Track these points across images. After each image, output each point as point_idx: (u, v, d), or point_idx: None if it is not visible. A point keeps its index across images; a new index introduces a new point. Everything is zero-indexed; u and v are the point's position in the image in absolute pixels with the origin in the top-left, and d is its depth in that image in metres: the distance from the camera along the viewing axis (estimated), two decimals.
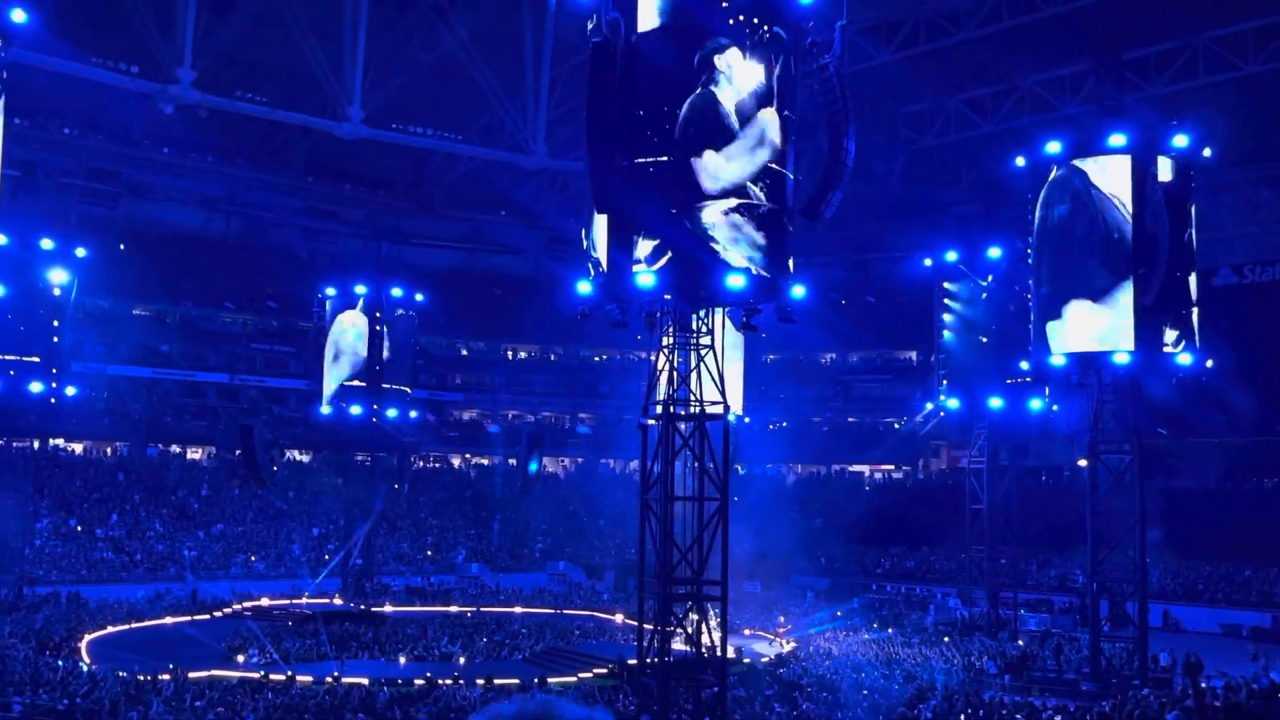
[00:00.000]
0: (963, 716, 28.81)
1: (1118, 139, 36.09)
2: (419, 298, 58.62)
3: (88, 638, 40.13)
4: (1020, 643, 43.23)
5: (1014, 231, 45.08)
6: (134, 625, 44.44)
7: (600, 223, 25.58)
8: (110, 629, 42.90)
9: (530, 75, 57.45)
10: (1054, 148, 37.33)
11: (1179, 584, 51.87)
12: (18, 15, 30.24)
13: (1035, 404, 46.52)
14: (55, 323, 48.15)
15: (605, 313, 26.31)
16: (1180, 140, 36.07)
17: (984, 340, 49.27)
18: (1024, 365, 40.38)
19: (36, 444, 53.01)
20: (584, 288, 25.96)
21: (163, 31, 50.44)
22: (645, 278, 24.16)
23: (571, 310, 27.26)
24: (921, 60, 55.99)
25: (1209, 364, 36.89)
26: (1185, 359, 35.76)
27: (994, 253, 48.31)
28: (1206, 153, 36.91)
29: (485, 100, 59.70)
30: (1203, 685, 33.46)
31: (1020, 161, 38.88)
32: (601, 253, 25.53)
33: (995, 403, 47.75)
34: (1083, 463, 41.08)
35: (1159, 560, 49.14)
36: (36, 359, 47.00)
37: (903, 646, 42.26)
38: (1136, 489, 36.97)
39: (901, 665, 38.06)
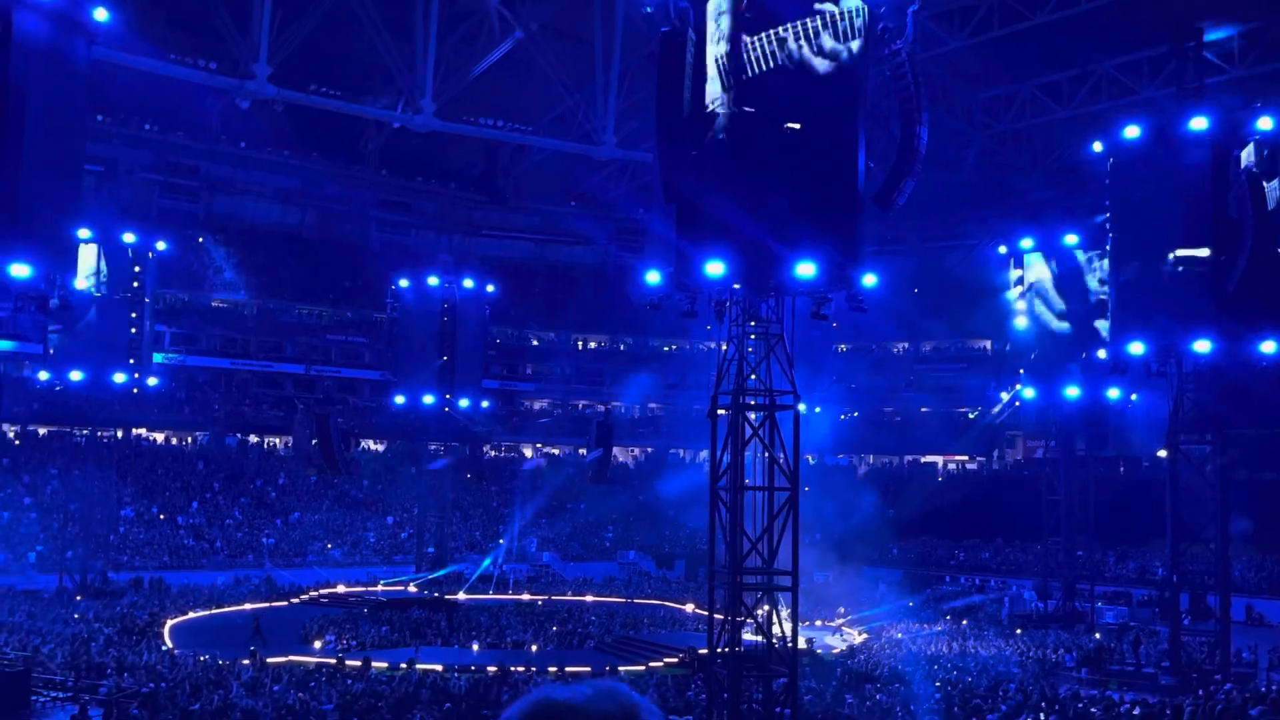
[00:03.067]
0: (1040, 710, 28.44)
1: (1199, 122, 35.27)
2: (490, 289, 59.12)
3: (170, 623, 41.07)
4: (1097, 636, 42.55)
5: (1091, 217, 44.28)
6: (214, 610, 45.39)
7: None
8: (192, 614, 43.86)
9: (600, 66, 57.49)
10: (1133, 132, 36.60)
11: (1263, 577, 50.66)
12: (100, 14, 30.90)
13: (1113, 393, 45.64)
14: (135, 314, 49.33)
15: (674, 302, 26.29)
16: (1264, 123, 35.14)
17: (1061, 328, 48.40)
18: (1102, 354, 39.63)
19: (120, 433, 54.25)
20: (653, 277, 25.96)
21: (239, 28, 51.25)
22: (714, 266, 24.08)
23: (641, 300, 27.28)
24: (996, 45, 55.11)
25: None
26: (1269, 347, 34.88)
27: (1071, 239, 47.43)
28: None
29: (555, 92, 59.88)
30: None
31: (1098, 147, 38.17)
32: None
33: (1072, 392, 46.90)
34: (1162, 453, 40.32)
35: (1242, 553, 48.04)
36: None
37: (977, 639, 41.81)
38: (1218, 480, 36.18)
39: (976, 657, 37.66)
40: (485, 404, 60.30)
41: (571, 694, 2.54)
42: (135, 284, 49.44)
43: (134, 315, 49.34)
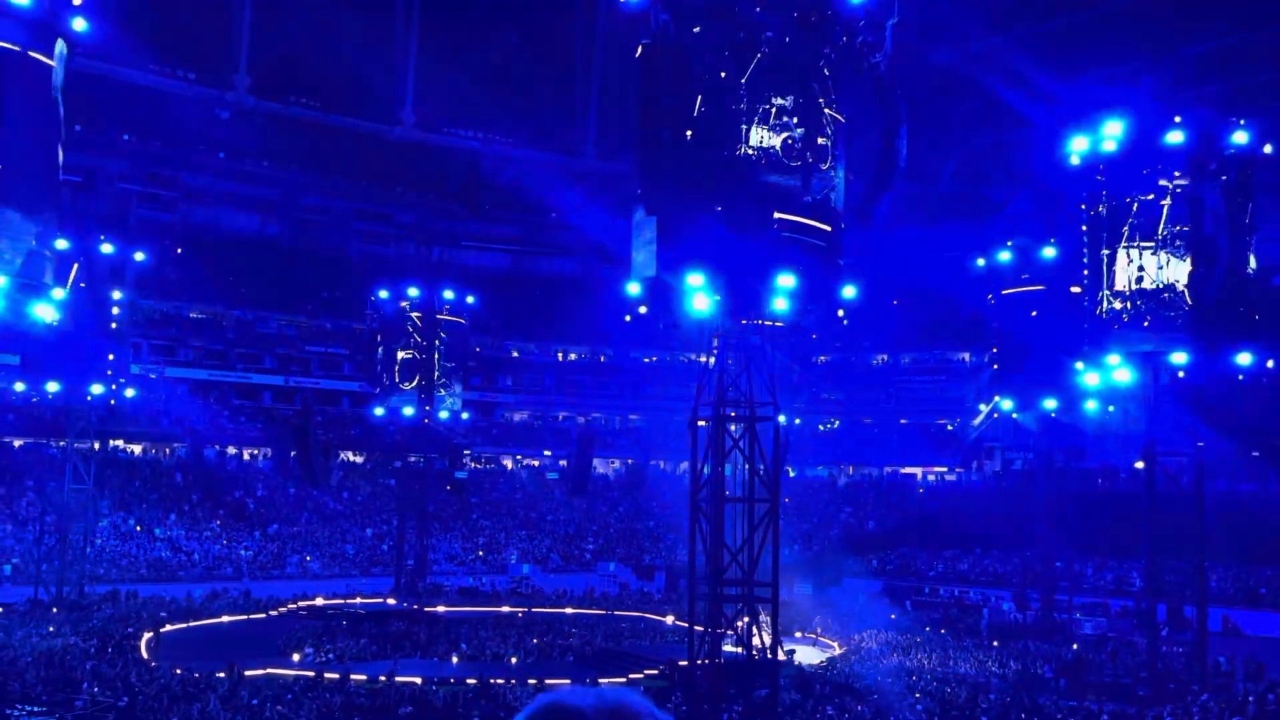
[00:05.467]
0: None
1: (1175, 136, 35.52)
2: (470, 300, 59.02)
3: (147, 636, 40.73)
4: (1075, 647, 42.67)
5: (1068, 230, 44.51)
6: (192, 624, 45.06)
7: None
8: (169, 627, 43.51)
9: (580, 78, 57.67)
10: (1110, 146, 36.83)
11: (1239, 588, 50.95)
12: (79, 24, 30.78)
13: (1091, 405, 45.87)
14: (114, 325, 49.06)
15: (655, 314, 26.33)
16: (1240, 137, 35.41)
17: (1038, 341, 48.63)
18: (1080, 365, 39.83)
19: (97, 445, 53.85)
20: (634, 289, 25.97)
21: (220, 39, 51.19)
22: (695, 279, 24.10)
23: (621, 311, 27.31)
24: (975, 58, 55.52)
25: (1270, 364, 36.22)
26: (1245, 359, 35.12)
27: (1048, 252, 47.70)
28: (1267, 149, 36.20)
29: (536, 103, 60.02)
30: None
31: (1075, 160, 38.38)
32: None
33: (1050, 404, 47.12)
34: (1140, 465, 40.51)
35: (1218, 564, 48.30)
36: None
37: (956, 650, 41.86)
38: (1195, 491, 36.38)
39: (954, 668, 37.71)
40: (465, 415, 60.14)
41: (580, 700, 2.54)
42: (116, 294, 49.14)
43: (112, 327, 49.02)
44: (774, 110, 24.65)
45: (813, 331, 27.27)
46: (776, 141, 24.61)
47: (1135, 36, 50.49)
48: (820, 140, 24.90)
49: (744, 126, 24.62)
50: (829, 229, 25.28)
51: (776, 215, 24.56)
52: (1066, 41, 53.23)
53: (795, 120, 24.73)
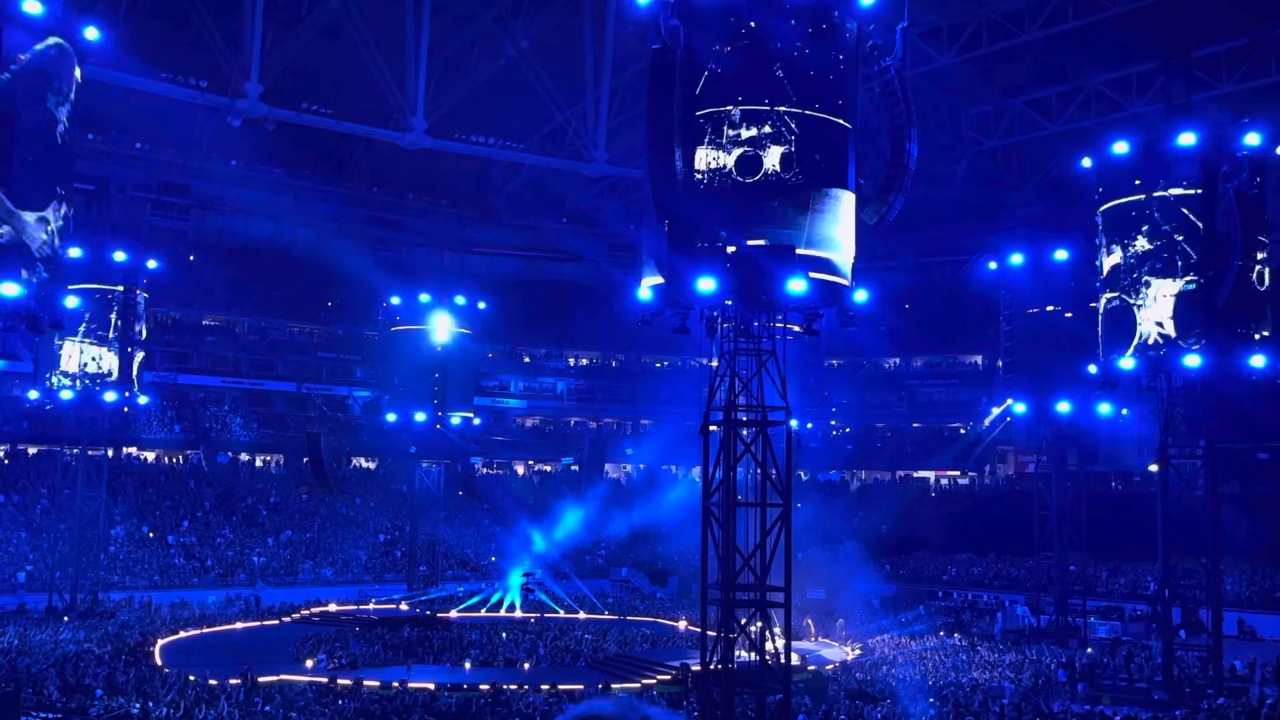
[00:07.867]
0: None
1: (1187, 138, 35.40)
2: (482, 306, 59.08)
3: (161, 642, 40.86)
4: (1090, 650, 42.53)
5: (1081, 233, 44.42)
6: (205, 630, 45.19)
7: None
8: (182, 634, 43.65)
9: (590, 83, 57.61)
10: (1121, 148, 36.74)
11: (1255, 591, 50.73)
12: (91, 32, 30.87)
13: (1104, 408, 45.70)
14: (131, 333, 49.27)
15: (666, 319, 26.28)
16: (1252, 139, 35.27)
17: (1051, 343, 48.49)
18: (1092, 369, 39.72)
19: (111, 452, 54.06)
20: (645, 294, 25.94)
21: (231, 46, 51.29)
22: (706, 283, 24.07)
23: (632, 316, 27.26)
24: (985, 62, 55.38)
25: None
26: (1259, 361, 34.96)
27: (1061, 255, 47.59)
28: None
29: (546, 109, 59.98)
30: None
31: (1086, 162, 38.29)
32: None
33: (1063, 407, 46.98)
34: (1153, 468, 40.40)
35: (1234, 567, 48.09)
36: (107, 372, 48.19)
37: (969, 654, 41.75)
38: (1209, 494, 36.23)
39: (968, 672, 37.60)
40: (477, 421, 60.19)
41: (605, 707, 2.72)
42: (128, 303, 49.32)
43: (127, 334, 49.22)
44: (725, 125, 24.50)
45: (825, 335, 27.09)
46: (730, 159, 24.46)
47: (1146, 38, 50.24)
48: (780, 150, 24.60)
49: (694, 148, 24.51)
50: (825, 247, 25.15)
51: (769, 237, 24.50)
52: (1077, 43, 53.01)
53: (748, 133, 24.48)
